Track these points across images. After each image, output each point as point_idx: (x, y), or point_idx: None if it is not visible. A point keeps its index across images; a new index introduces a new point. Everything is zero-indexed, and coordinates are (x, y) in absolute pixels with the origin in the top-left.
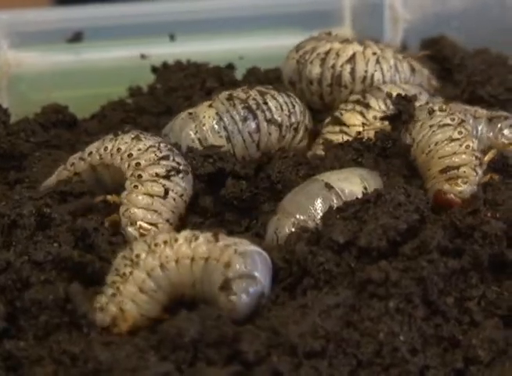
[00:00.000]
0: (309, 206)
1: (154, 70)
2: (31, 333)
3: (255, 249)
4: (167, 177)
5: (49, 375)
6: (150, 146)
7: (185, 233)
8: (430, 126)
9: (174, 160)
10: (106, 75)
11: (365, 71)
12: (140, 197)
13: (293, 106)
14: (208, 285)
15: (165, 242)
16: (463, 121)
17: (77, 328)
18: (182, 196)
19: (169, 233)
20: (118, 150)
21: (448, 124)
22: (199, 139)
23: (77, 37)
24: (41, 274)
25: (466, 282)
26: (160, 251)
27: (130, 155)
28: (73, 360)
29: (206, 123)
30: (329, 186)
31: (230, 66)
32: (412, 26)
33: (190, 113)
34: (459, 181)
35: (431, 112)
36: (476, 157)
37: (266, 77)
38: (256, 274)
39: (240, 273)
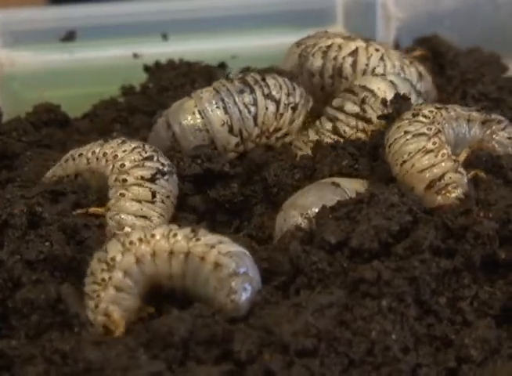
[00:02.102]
0: (317, 200)
1: (147, 69)
2: (23, 332)
3: (239, 249)
4: (152, 180)
5: (41, 374)
6: (135, 147)
7: (162, 230)
8: (406, 132)
9: (158, 160)
10: (99, 74)
11: (367, 65)
12: (128, 204)
13: (294, 88)
14: (194, 282)
15: (140, 239)
16: (439, 131)
17: (68, 328)
18: (168, 197)
19: (143, 229)
20: (104, 154)
21: (424, 134)
22: (199, 112)
23: (70, 37)
24: (32, 274)
25: (458, 282)
26: (136, 249)
27: (115, 156)
28: (65, 359)
29: (203, 96)
30: (336, 185)
31: (222, 66)
32: (405, 24)
33: (189, 95)
34: (450, 188)
35: (415, 115)
36: (454, 161)
37: None
38: (248, 271)
39: (234, 272)
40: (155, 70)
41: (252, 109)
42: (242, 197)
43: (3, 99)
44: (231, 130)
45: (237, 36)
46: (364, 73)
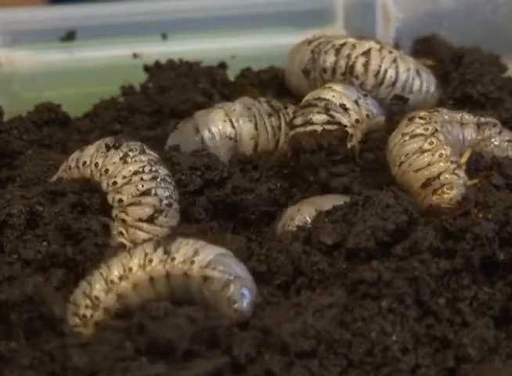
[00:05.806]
0: (330, 200)
1: (147, 69)
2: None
3: (217, 251)
4: (150, 221)
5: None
6: (134, 173)
7: (137, 259)
8: (403, 134)
9: (156, 194)
10: (99, 74)
11: (379, 66)
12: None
13: None
14: (185, 296)
15: (120, 277)
16: (436, 130)
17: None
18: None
19: (121, 260)
20: (106, 170)
21: (421, 134)
22: (230, 121)
23: (70, 36)
24: (21, 272)
25: (458, 283)
26: (116, 288)
27: (114, 183)
28: (54, 362)
29: (236, 108)
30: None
31: (222, 66)
32: (405, 25)
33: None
34: (445, 188)
35: (411, 119)
36: (452, 162)
37: (259, 78)
38: (238, 273)
39: (226, 281)
40: (155, 70)
41: (277, 133)
42: (234, 195)
43: (3, 99)
44: (255, 148)
45: (237, 36)
46: (376, 74)
